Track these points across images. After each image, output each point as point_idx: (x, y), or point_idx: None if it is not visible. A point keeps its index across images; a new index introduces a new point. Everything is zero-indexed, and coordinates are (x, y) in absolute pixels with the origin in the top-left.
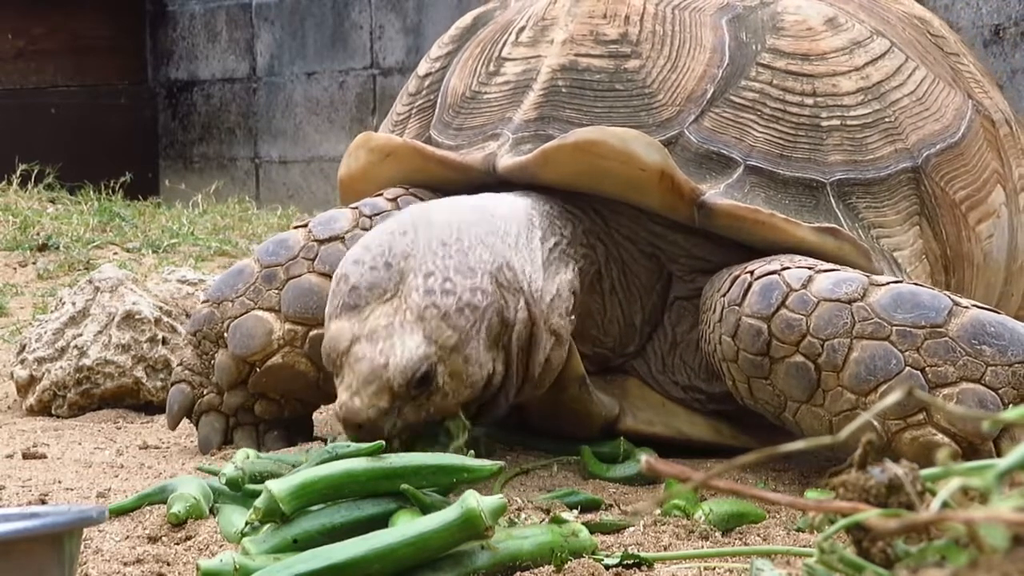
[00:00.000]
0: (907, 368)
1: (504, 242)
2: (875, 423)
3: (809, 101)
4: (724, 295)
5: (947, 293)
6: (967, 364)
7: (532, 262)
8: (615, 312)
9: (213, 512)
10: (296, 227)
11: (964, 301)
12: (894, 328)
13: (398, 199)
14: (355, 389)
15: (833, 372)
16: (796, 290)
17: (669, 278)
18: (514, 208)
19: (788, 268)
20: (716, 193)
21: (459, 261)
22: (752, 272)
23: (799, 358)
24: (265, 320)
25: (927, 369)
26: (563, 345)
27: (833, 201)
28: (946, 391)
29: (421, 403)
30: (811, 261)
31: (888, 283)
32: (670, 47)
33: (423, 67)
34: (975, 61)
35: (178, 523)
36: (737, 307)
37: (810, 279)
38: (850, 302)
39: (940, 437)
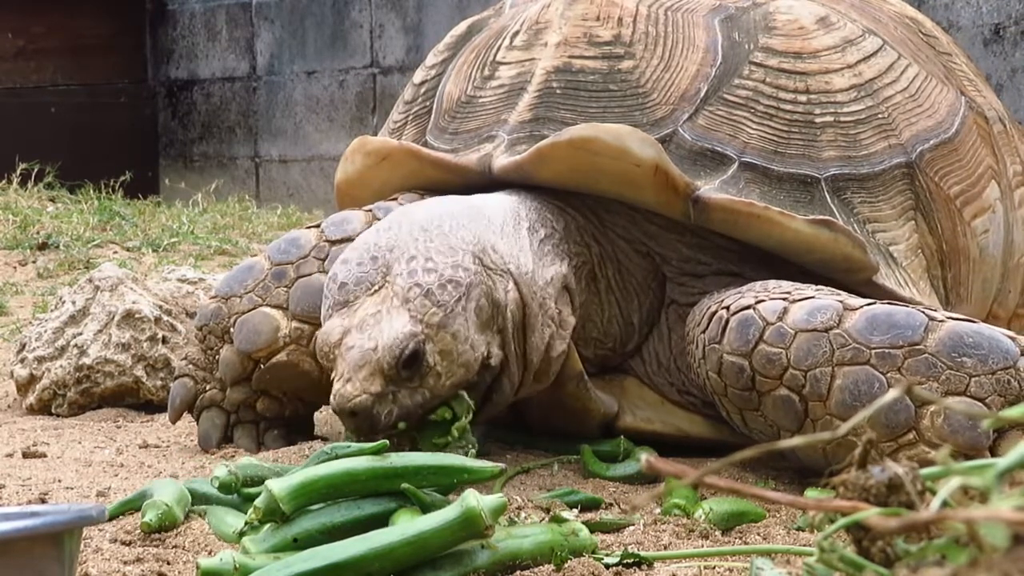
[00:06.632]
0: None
1: (489, 228)
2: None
3: (802, 98)
4: (704, 332)
5: (921, 308)
6: (950, 378)
7: (520, 248)
8: (613, 311)
9: (192, 517)
10: (309, 227)
11: (939, 314)
12: (873, 351)
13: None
14: (347, 376)
15: (819, 401)
16: (772, 323)
17: (664, 277)
18: (501, 204)
19: (763, 300)
20: (711, 188)
21: (440, 243)
22: (728, 307)
23: (783, 391)
24: (272, 317)
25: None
26: (563, 335)
27: (828, 196)
28: (932, 408)
29: (415, 386)
30: (786, 288)
31: (862, 306)
32: (663, 47)
33: (418, 75)
34: (967, 61)
35: (150, 531)
36: (717, 345)
37: (785, 310)
38: (827, 330)
39: (934, 454)
